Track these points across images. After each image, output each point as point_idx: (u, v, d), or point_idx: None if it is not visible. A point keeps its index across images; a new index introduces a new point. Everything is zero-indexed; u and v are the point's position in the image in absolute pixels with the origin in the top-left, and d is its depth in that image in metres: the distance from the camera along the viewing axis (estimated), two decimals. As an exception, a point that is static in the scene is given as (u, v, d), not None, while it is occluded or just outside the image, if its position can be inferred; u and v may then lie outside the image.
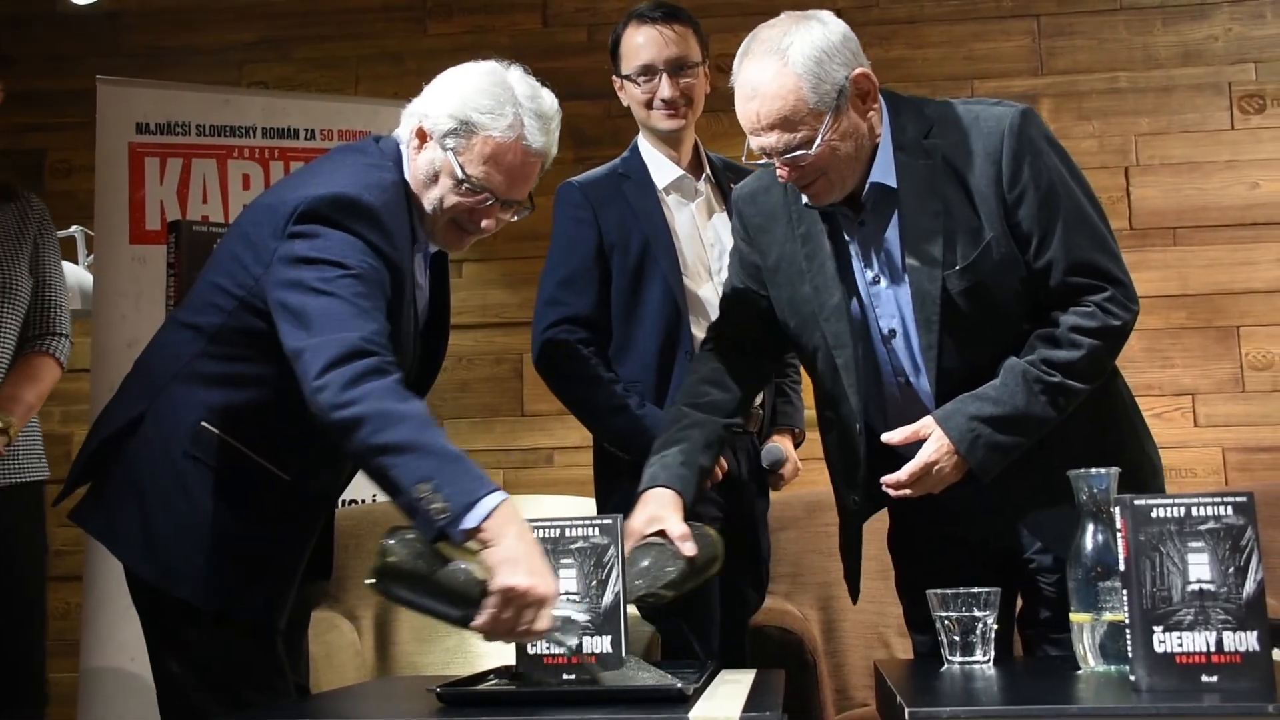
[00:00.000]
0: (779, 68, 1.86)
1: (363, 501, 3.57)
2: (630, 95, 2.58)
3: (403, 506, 1.61)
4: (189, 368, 1.90)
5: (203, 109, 3.77)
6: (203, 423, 1.88)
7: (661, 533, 1.90)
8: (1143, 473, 1.99)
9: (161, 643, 1.90)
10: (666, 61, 2.52)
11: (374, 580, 1.61)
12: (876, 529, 2.20)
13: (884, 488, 1.95)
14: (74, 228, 3.92)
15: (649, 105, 2.55)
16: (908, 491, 1.92)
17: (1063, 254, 1.90)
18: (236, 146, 3.80)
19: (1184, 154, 4.08)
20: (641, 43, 2.54)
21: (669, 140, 2.58)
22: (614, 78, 2.60)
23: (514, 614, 1.56)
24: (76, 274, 3.79)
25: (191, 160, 3.76)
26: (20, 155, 4.42)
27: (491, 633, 1.58)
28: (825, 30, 1.90)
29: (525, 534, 1.60)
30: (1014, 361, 1.92)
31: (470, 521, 1.57)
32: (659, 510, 1.94)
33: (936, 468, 1.90)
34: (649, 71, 2.53)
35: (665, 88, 2.52)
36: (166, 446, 1.88)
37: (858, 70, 1.90)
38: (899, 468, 1.93)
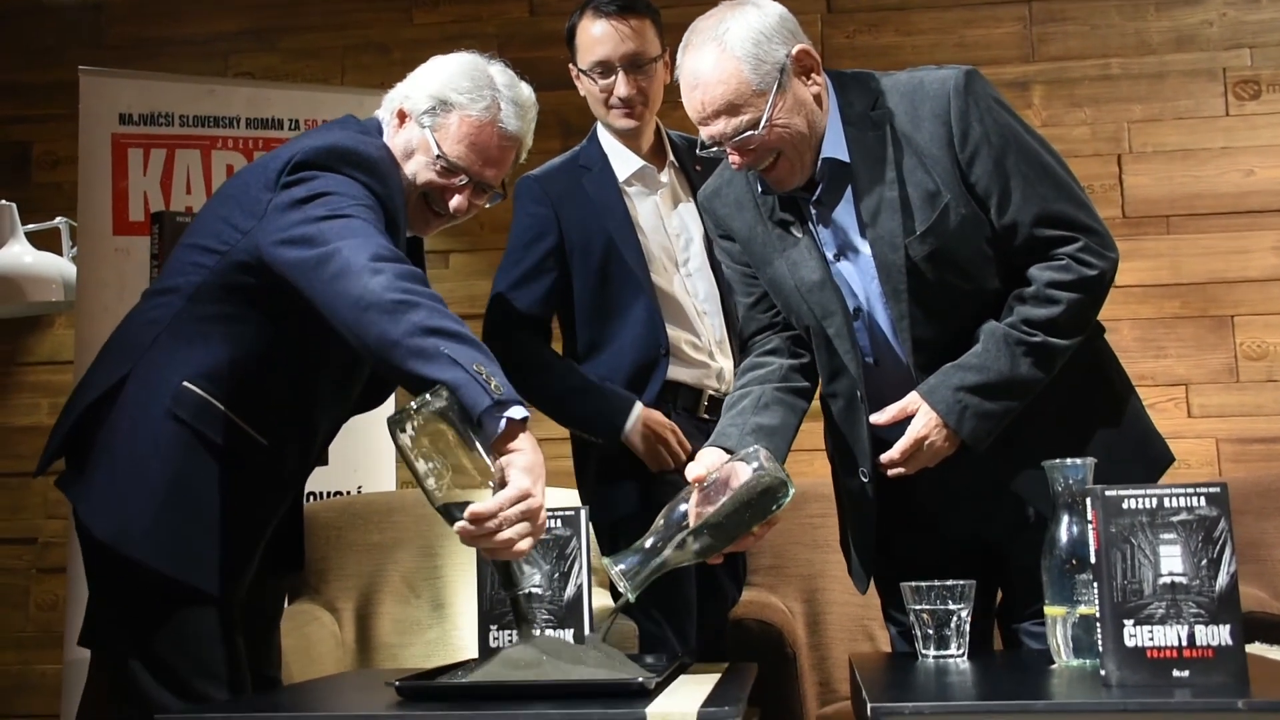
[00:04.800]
0: (718, 54, 1.86)
1: (346, 493, 3.55)
2: (586, 89, 2.53)
3: (450, 381, 1.57)
4: (169, 329, 1.89)
5: (186, 99, 3.76)
6: (185, 382, 1.86)
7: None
8: (1133, 438, 1.98)
9: (114, 627, 1.88)
10: (623, 58, 2.46)
11: (407, 412, 1.55)
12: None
13: (880, 468, 1.93)
14: (58, 219, 3.92)
15: (605, 103, 2.50)
16: (902, 470, 1.90)
17: (1026, 207, 1.88)
18: (220, 137, 3.78)
19: (1178, 141, 4.03)
20: (597, 36, 2.47)
21: (628, 134, 2.53)
22: (570, 66, 2.55)
23: (515, 516, 1.55)
24: (59, 265, 3.78)
25: (175, 151, 3.75)
26: (6, 147, 4.42)
27: (475, 530, 1.54)
28: (761, 13, 1.90)
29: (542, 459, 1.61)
30: (993, 325, 1.89)
31: (517, 414, 1.58)
32: (693, 465, 1.88)
33: (927, 442, 1.87)
34: (605, 68, 2.47)
35: (621, 86, 2.47)
36: (147, 407, 1.86)
37: (798, 47, 1.89)
38: (894, 443, 1.91)
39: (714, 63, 1.86)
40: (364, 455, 3.57)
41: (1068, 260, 1.87)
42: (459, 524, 1.54)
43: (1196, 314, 3.97)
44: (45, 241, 3.86)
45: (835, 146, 1.92)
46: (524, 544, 1.57)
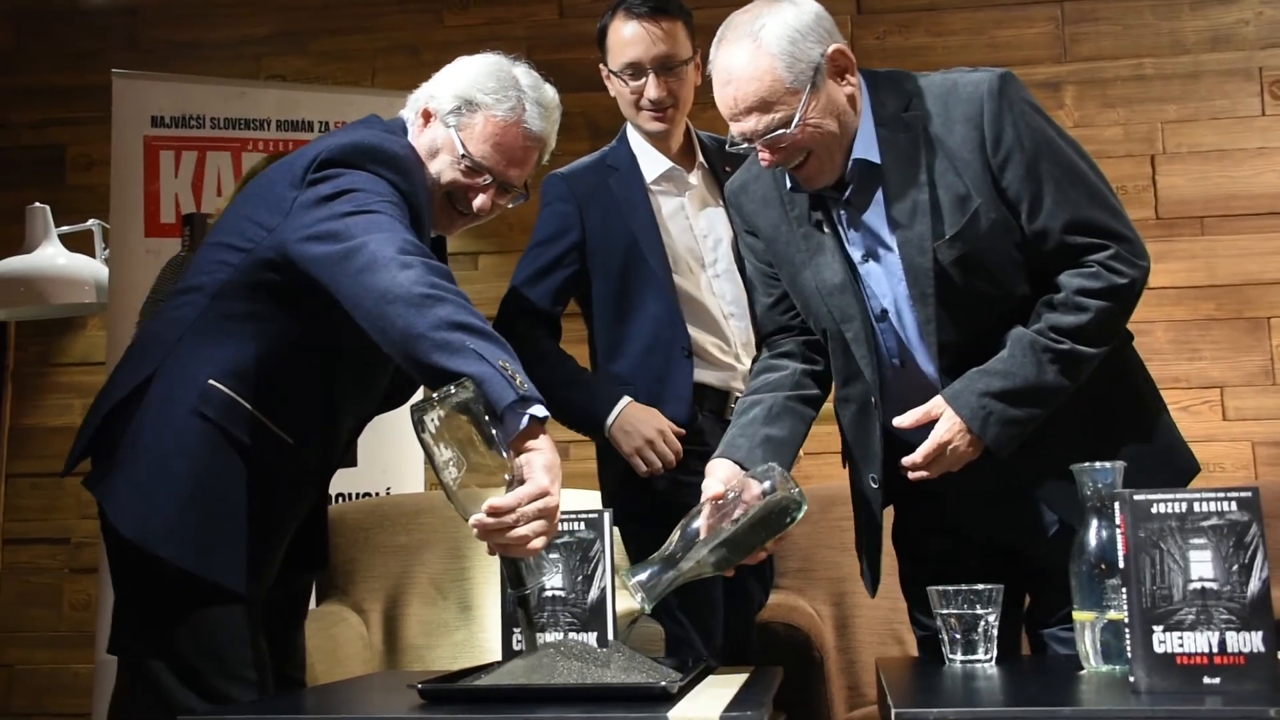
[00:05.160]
0: (753, 50, 1.85)
1: (374, 494, 3.56)
2: (617, 90, 2.52)
3: (475, 374, 1.57)
4: (194, 327, 1.90)
5: (217, 102, 3.78)
6: (211, 380, 1.87)
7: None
8: (1158, 448, 1.95)
9: (138, 625, 1.88)
10: (653, 60, 2.45)
11: (430, 402, 1.55)
12: (885, 522, 2.15)
13: (901, 470, 1.91)
14: (91, 221, 3.95)
15: (636, 105, 2.49)
16: (925, 473, 1.89)
17: (1057, 213, 1.85)
18: (251, 139, 3.81)
19: (1213, 142, 3.98)
20: (628, 37, 2.46)
21: (657, 136, 2.53)
22: (601, 67, 2.55)
23: (532, 513, 1.55)
24: (92, 267, 3.82)
25: (206, 153, 3.77)
26: (42, 150, 4.47)
27: (491, 524, 1.54)
28: (798, 10, 1.89)
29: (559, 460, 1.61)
30: (1021, 331, 1.87)
31: (539, 412, 1.57)
32: (709, 480, 1.89)
33: (950, 447, 1.86)
34: (636, 70, 2.47)
35: (652, 88, 2.46)
36: (173, 405, 1.87)
37: (833, 47, 1.88)
38: (915, 447, 1.89)
39: (748, 59, 1.85)
40: (392, 457, 3.58)
41: (1098, 268, 1.85)
42: (475, 517, 1.54)
43: (1231, 316, 3.92)
44: (78, 243, 3.90)
45: (866, 147, 1.91)
46: (537, 542, 1.56)
